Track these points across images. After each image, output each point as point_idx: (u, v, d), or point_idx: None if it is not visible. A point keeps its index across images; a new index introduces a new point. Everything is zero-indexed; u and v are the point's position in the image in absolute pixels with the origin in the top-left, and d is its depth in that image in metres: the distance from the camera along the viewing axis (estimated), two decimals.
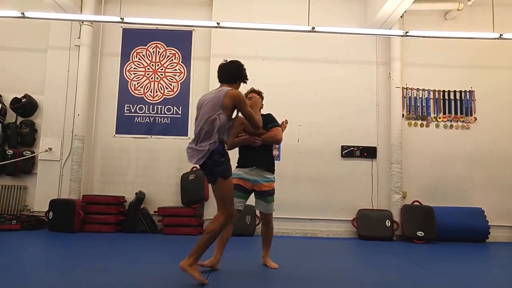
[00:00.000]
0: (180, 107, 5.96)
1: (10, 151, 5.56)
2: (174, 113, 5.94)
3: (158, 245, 4.71)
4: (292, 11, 5.81)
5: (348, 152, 5.81)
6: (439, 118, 5.96)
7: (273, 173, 3.36)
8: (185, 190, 5.55)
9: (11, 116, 5.73)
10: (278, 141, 3.44)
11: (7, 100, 5.73)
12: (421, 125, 5.94)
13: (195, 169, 5.69)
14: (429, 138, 5.90)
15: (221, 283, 2.87)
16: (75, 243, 4.48)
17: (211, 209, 5.59)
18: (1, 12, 5.11)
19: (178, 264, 2.69)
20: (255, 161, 3.25)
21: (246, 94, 3.34)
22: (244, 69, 3.02)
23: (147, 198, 5.60)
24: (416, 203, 5.65)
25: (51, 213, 5.10)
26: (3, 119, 5.62)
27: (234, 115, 2.93)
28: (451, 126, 5.97)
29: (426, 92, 6.00)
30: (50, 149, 5.51)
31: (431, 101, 5.99)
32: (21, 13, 4.85)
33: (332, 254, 4.54)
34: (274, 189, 3.35)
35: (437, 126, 5.95)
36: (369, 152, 5.83)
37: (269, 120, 3.41)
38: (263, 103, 3.55)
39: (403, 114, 5.90)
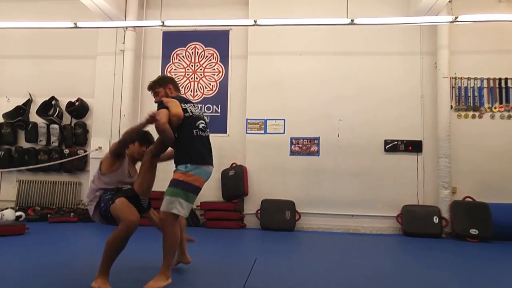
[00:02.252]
0: (219, 105, 6.43)
1: (67, 150, 6.38)
2: (214, 111, 6.43)
3: (201, 237, 5.17)
4: (330, 3, 6.03)
5: (392, 147, 5.91)
6: (495, 108, 5.82)
7: (182, 164, 2.78)
8: (226, 185, 5.99)
9: (66, 119, 6.59)
10: (157, 128, 2.72)
11: (63, 104, 6.56)
12: (473, 117, 5.85)
13: (234, 165, 6.15)
14: (482, 130, 5.80)
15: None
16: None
17: (251, 204, 6.00)
18: (56, 24, 5.91)
19: (219, 254, 3.06)
20: None
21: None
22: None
23: None
24: (468, 199, 5.60)
25: None
26: (60, 121, 6.47)
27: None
28: (510, 117, 5.82)
29: (478, 81, 5.89)
30: (100, 148, 6.23)
31: (485, 90, 5.88)
32: (74, 24, 5.59)
33: (377, 251, 4.63)
34: (177, 180, 2.74)
35: (492, 117, 5.82)
36: (414, 146, 5.87)
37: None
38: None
39: (451, 106, 5.86)
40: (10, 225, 4.57)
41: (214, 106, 6.43)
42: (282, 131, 6.10)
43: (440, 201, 5.65)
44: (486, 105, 5.85)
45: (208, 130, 2.97)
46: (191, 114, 2.85)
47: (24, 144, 6.55)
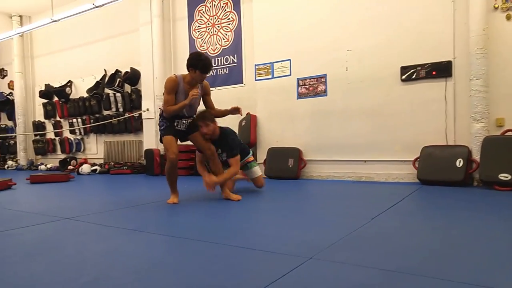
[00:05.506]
0: (235, 55, 6.55)
1: (127, 114, 7.82)
2: (231, 62, 6.60)
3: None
4: None
5: (410, 75, 4.88)
6: None
7: None
8: (239, 135, 6.22)
9: (128, 87, 7.98)
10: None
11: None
12: None
13: (247, 114, 6.27)
14: None
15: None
16: (145, 182, 6.09)
17: (262, 153, 6.05)
18: (79, 8, 6.98)
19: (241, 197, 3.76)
20: None
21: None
22: (196, 59, 3.53)
23: None
24: (509, 133, 4.22)
25: (144, 161, 7.00)
26: (122, 90, 7.92)
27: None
28: None
29: None
30: (148, 109, 7.35)
31: None
32: (93, 4, 6.66)
33: (367, 201, 3.78)
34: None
35: None
36: (439, 70, 4.68)
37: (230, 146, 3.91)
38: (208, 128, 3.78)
39: (496, 6, 4.37)
40: (57, 174, 6.14)
41: (231, 57, 6.59)
42: (289, 73, 5.81)
43: (472, 138, 4.44)
44: None
45: None
46: None
47: (105, 112, 8.33)
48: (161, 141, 3.79)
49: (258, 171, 4.33)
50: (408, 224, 2.65)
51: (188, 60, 3.59)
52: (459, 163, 4.36)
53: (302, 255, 1.90)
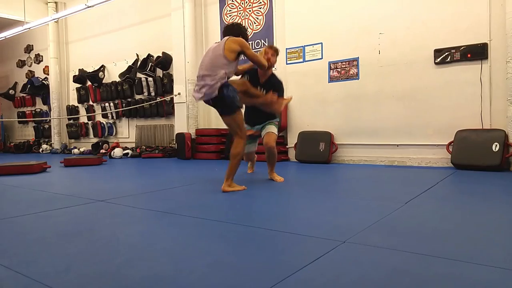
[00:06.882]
0: (267, 39, 6.64)
1: (158, 98, 8.08)
2: (262, 46, 6.70)
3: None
4: None
5: (444, 57, 4.84)
6: None
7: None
8: None
9: (159, 71, 8.22)
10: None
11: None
12: None
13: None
14: None
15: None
16: (176, 166, 6.32)
17: (292, 137, 6.19)
18: None
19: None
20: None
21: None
22: (245, 30, 3.67)
23: None
24: None
25: (176, 144, 7.27)
26: (153, 74, 8.17)
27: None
28: None
29: None
30: (179, 93, 7.58)
31: None
32: None
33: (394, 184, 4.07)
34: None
35: None
36: (474, 53, 4.64)
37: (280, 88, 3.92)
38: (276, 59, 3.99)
39: None
40: (90, 158, 6.46)
41: (262, 41, 6.70)
42: (320, 56, 5.88)
43: (508, 121, 4.42)
44: None
45: None
46: None
47: (137, 96, 8.64)
48: (232, 112, 3.36)
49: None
50: (443, 208, 2.67)
51: (239, 29, 3.54)
52: (495, 147, 4.37)
53: (336, 238, 1.91)
